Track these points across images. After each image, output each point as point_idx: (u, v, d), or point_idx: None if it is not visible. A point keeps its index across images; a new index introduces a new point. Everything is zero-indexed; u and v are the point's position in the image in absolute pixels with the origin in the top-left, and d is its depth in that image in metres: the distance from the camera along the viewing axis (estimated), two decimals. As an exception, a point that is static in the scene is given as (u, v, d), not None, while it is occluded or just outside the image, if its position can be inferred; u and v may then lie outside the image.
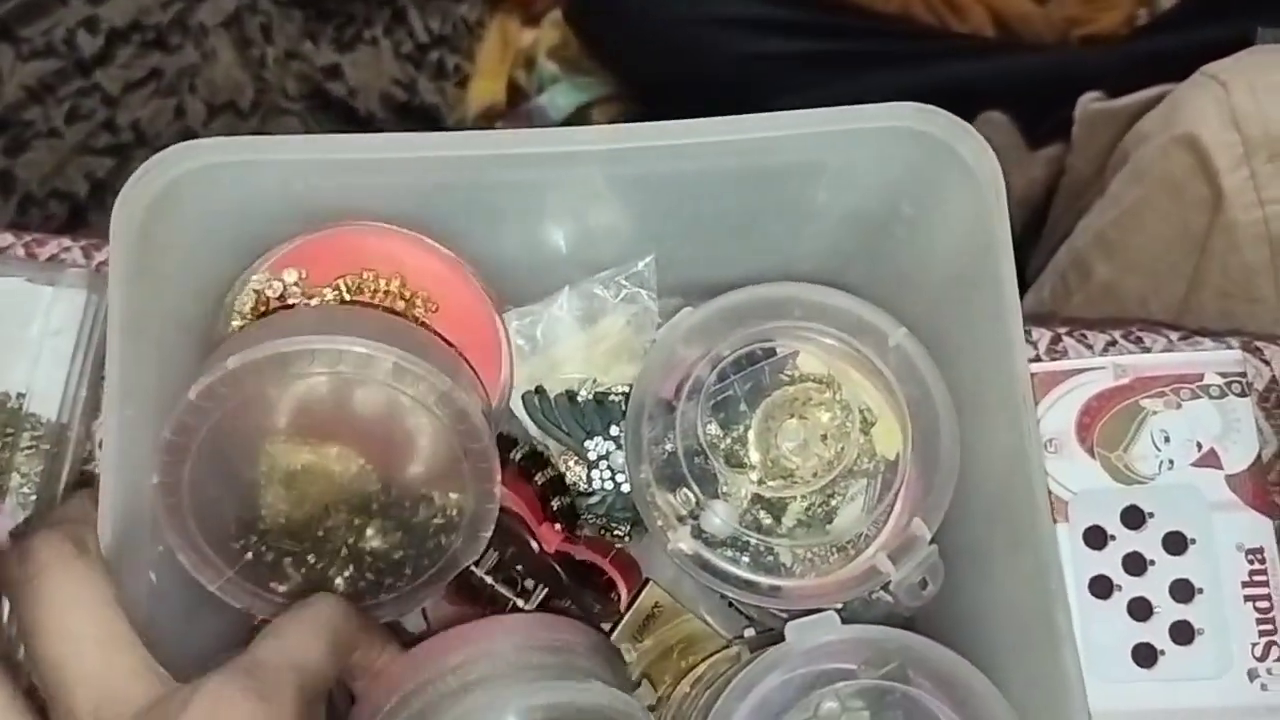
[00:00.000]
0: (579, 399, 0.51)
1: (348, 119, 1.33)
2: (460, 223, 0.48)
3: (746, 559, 0.44)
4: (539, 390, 0.52)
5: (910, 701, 0.42)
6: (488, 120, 1.27)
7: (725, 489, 0.45)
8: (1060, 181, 0.98)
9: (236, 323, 0.46)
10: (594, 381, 0.52)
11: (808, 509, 0.45)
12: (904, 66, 1.09)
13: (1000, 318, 0.41)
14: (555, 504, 0.51)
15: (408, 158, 0.43)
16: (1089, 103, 0.94)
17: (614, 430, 0.51)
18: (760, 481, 0.45)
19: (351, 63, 1.34)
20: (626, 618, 0.51)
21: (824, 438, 0.46)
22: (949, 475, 0.43)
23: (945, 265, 0.46)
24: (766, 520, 0.45)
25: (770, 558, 0.45)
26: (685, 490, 0.45)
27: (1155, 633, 0.51)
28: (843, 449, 0.45)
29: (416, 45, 1.35)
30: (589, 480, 0.51)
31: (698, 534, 0.44)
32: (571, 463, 0.52)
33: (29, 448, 0.51)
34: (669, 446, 0.45)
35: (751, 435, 0.46)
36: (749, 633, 0.50)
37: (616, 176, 0.45)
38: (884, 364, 0.44)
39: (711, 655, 0.50)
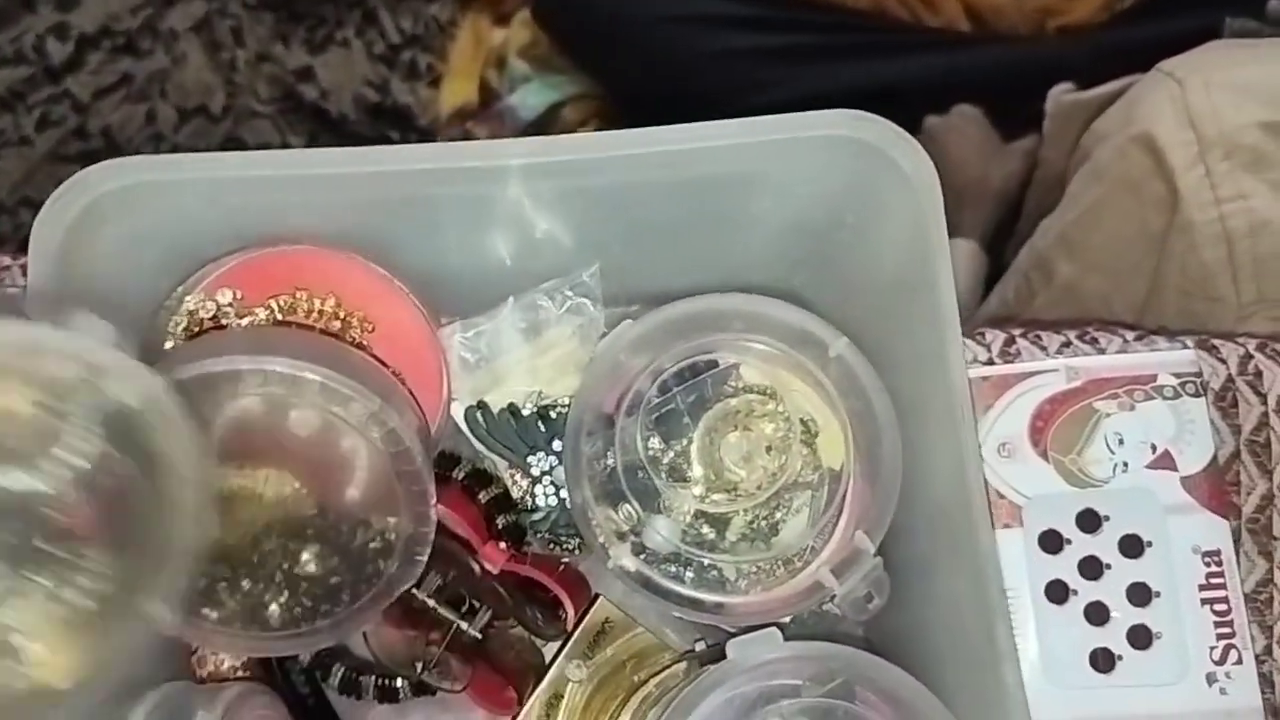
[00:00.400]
0: (523, 413, 0.51)
1: (320, 121, 1.32)
2: (399, 236, 0.47)
3: (690, 574, 0.44)
4: (481, 405, 0.51)
5: (862, 715, 0.41)
6: (460, 120, 1.26)
7: (667, 504, 0.44)
8: (1034, 175, 0.97)
9: (169, 344, 0.45)
10: (539, 394, 0.51)
11: (751, 523, 0.45)
12: (876, 59, 1.08)
13: (937, 328, 0.41)
14: (500, 522, 0.50)
15: (335, 174, 0.42)
16: (1060, 94, 0.93)
17: (557, 445, 0.50)
18: (703, 496, 0.44)
19: (323, 64, 1.33)
20: (577, 634, 0.50)
21: (768, 449, 0.45)
22: (891, 487, 0.43)
23: (888, 271, 0.46)
24: (710, 535, 0.44)
25: (714, 573, 0.44)
26: (626, 506, 0.44)
27: (1113, 637, 0.51)
28: (786, 460, 0.44)
29: (389, 46, 1.33)
30: (533, 496, 0.50)
31: (639, 550, 0.44)
32: (518, 477, 0.51)
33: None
34: (609, 462, 0.45)
35: (694, 449, 0.45)
36: (700, 645, 0.49)
37: (552, 188, 0.45)
38: (825, 375, 0.44)
39: (662, 671, 0.49)
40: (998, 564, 0.39)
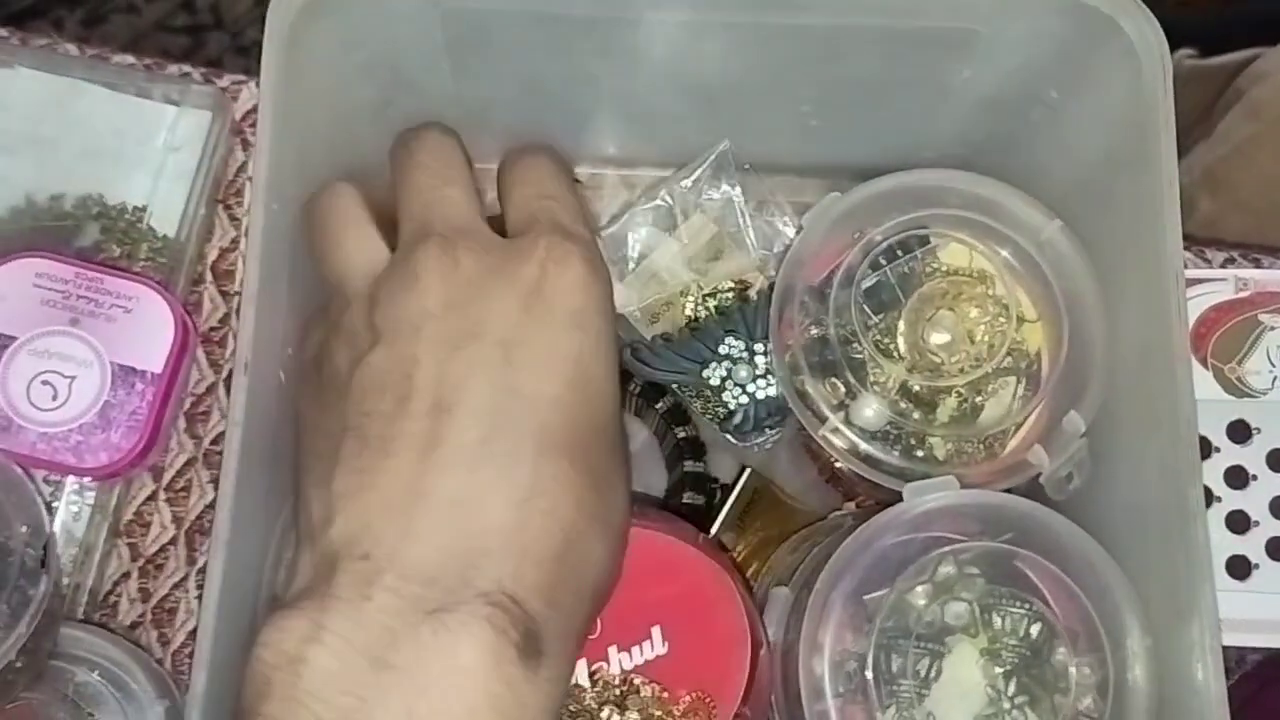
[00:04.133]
0: (674, 335, 0.51)
1: None
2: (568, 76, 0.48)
3: (898, 450, 0.44)
4: (632, 347, 0.51)
5: (1025, 571, 0.42)
6: None
7: (875, 380, 0.44)
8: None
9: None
10: (698, 287, 0.51)
11: (959, 405, 0.45)
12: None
13: (1153, 206, 0.40)
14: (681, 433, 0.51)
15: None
16: (1183, 59, 0.93)
17: (723, 349, 0.49)
18: (909, 373, 0.44)
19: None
20: (729, 504, 0.50)
21: (970, 334, 0.45)
22: (1103, 369, 0.43)
23: (1088, 152, 0.46)
24: (915, 414, 0.45)
25: (921, 451, 0.44)
26: (834, 379, 0.44)
27: (1251, 546, 0.52)
28: (993, 346, 0.44)
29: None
30: (724, 406, 0.50)
31: (848, 423, 0.44)
32: (694, 398, 0.51)
33: (146, 259, 0.51)
34: (815, 332, 0.45)
35: (901, 325, 0.45)
36: (849, 506, 0.50)
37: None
38: (1040, 257, 0.44)
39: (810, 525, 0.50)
40: (1195, 428, 0.39)
